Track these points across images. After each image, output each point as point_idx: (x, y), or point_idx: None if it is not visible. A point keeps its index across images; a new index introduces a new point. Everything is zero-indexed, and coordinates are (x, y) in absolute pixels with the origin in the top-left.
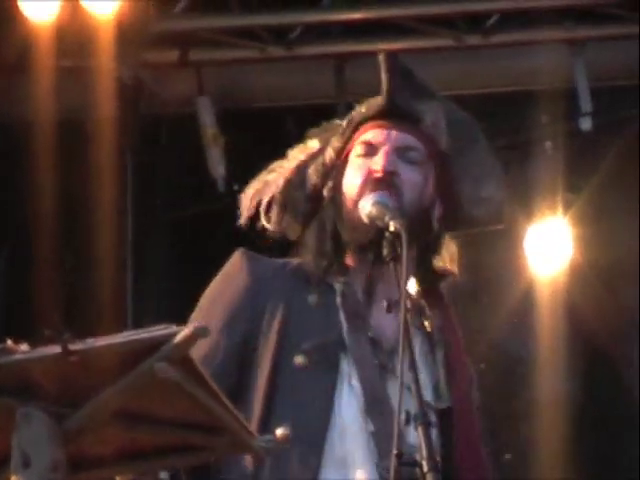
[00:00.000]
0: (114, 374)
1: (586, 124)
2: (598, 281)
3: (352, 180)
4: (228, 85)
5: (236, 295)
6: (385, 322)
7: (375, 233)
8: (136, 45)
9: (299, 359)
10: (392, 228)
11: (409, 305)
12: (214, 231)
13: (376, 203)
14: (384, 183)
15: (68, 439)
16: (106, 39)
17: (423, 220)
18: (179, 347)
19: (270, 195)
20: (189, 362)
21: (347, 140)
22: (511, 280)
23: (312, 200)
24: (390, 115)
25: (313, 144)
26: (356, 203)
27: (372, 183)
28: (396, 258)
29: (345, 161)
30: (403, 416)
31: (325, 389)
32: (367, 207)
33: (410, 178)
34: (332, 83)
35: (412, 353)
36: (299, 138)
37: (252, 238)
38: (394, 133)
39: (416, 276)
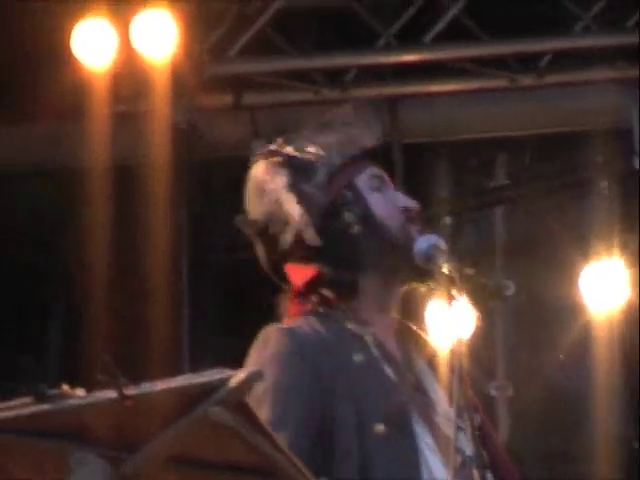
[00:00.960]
0: (169, 419)
1: None
2: None
3: (390, 211)
4: (283, 128)
5: (302, 382)
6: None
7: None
8: (190, 89)
9: (379, 428)
10: (446, 270)
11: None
12: (269, 277)
13: (431, 246)
14: (420, 219)
15: None
16: (160, 84)
17: None
18: (234, 391)
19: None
20: (244, 407)
21: (334, 174)
22: (568, 319)
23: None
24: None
25: (280, 176)
26: (405, 230)
27: (414, 221)
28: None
29: (350, 191)
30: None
31: (409, 455)
32: (422, 249)
33: None
34: (386, 124)
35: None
36: None
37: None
38: (382, 172)
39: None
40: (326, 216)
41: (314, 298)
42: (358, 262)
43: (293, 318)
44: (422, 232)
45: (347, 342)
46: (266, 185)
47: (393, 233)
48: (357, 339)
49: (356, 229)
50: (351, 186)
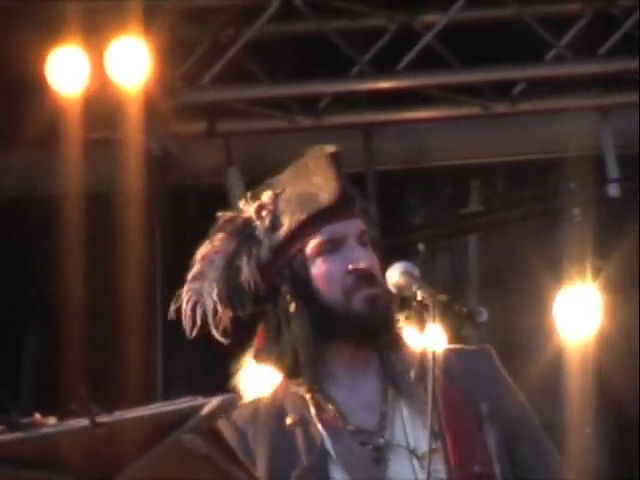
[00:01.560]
0: (142, 446)
1: (614, 190)
2: (627, 347)
3: (329, 280)
4: (257, 155)
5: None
6: (363, 404)
7: (382, 319)
8: (164, 116)
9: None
10: (420, 297)
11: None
12: None
13: (404, 273)
14: (372, 279)
15: None
16: (134, 111)
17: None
18: (206, 419)
19: (212, 302)
20: (216, 434)
21: (287, 237)
22: (540, 345)
23: (252, 302)
24: (343, 206)
25: (225, 243)
26: (348, 298)
27: (357, 280)
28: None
29: (298, 260)
30: None
31: None
32: (395, 276)
33: (374, 261)
34: (360, 152)
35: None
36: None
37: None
38: (350, 223)
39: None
40: (267, 291)
41: None
42: (297, 335)
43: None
44: (372, 293)
45: (284, 408)
46: (214, 255)
47: (330, 303)
48: (296, 399)
49: (292, 305)
50: (299, 253)
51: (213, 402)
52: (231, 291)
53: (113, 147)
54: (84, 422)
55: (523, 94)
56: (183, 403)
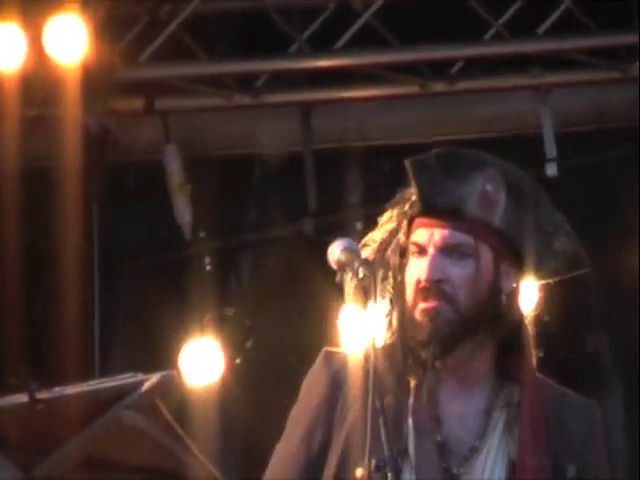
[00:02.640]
0: (81, 422)
1: (552, 170)
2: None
3: (409, 282)
4: (194, 133)
5: (314, 405)
6: (462, 423)
7: (430, 332)
8: (102, 93)
9: (359, 472)
10: (361, 274)
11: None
12: (180, 278)
13: (345, 250)
14: (431, 292)
15: None
16: (72, 87)
17: (487, 309)
18: (146, 395)
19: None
20: (156, 410)
21: (407, 233)
22: None
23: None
24: (432, 214)
25: (390, 222)
26: (412, 308)
27: (422, 293)
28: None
29: (406, 256)
30: None
31: None
32: (336, 253)
33: (460, 277)
34: (298, 131)
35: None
36: (265, 185)
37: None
38: (437, 233)
39: (498, 371)
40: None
41: None
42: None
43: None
44: (431, 307)
45: (389, 378)
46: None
47: (404, 311)
48: (401, 382)
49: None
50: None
51: (153, 379)
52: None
53: (51, 123)
54: (23, 398)
55: (462, 73)
56: (123, 379)
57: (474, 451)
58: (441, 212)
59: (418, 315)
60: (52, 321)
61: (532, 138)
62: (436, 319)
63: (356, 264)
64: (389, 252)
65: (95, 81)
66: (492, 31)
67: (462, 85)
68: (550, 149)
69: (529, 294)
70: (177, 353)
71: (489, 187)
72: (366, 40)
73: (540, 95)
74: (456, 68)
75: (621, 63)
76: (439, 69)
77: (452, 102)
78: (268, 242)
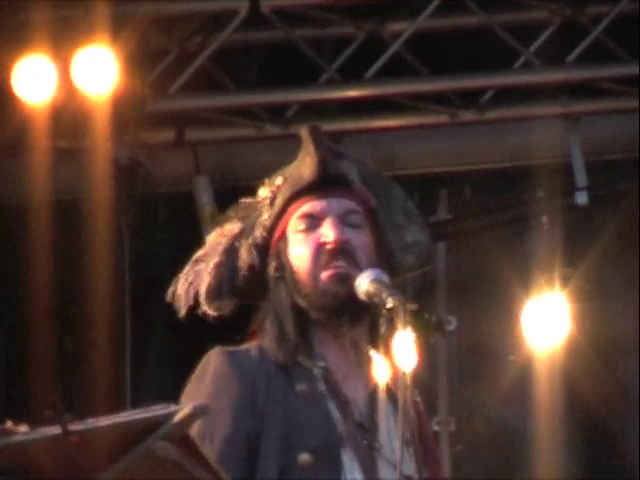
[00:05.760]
0: (114, 454)
1: (582, 198)
2: (596, 356)
3: (301, 255)
4: (225, 164)
5: (235, 400)
6: (357, 394)
7: (345, 298)
8: (132, 125)
9: (304, 457)
10: (390, 305)
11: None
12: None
13: (373, 281)
14: (339, 253)
15: None
16: (102, 119)
17: None
18: (178, 426)
19: (206, 283)
20: (189, 441)
21: (278, 216)
22: (509, 354)
23: (251, 281)
24: (322, 184)
25: (232, 226)
26: (312, 276)
27: (327, 254)
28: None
29: (283, 238)
30: None
31: None
32: (364, 284)
33: (360, 242)
34: None
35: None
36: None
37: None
38: (334, 201)
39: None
40: (259, 268)
41: None
42: (298, 313)
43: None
44: (341, 267)
45: (292, 372)
46: (220, 237)
47: (302, 280)
48: (304, 371)
49: (273, 281)
50: (283, 232)
51: (185, 409)
52: (225, 274)
53: (81, 156)
54: (56, 430)
55: (491, 102)
56: (155, 410)
57: (371, 416)
58: (332, 181)
59: (325, 280)
60: (85, 353)
61: (562, 167)
62: (347, 282)
63: (384, 295)
64: (242, 252)
65: (125, 113)
66: (522, 60)
67: (492, 114)
68: (580, 177)
69: None
70: None
71: (356, 172)
72: (396, 70)
73: (570, 123)
74: (486, 97)
75: None
76: (469, 98)
77: (482, 131)
78: None
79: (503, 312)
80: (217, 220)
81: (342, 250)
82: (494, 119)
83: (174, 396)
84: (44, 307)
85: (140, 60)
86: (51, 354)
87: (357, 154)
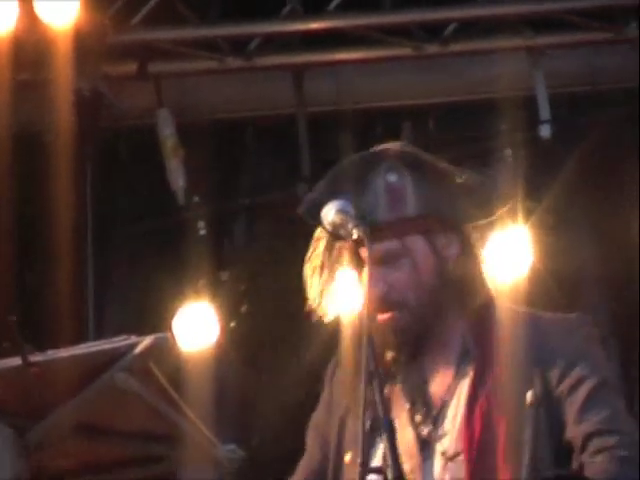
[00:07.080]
0: (75, 386)
1: (545, 131)
2: (558, 289)
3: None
4: (187, 97)
5: (320, 413)
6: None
7: (394, 343)
8: (94, 57)
9: (347, 457)
10: (355, 236)
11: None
12: (174, 243)
13: (339, 211)
14: (383, 306)
15: (30, 452)
16: (64, 51)
17: (444, 289)
18: (140, 358)
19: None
20: (150, 373)
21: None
22: None
23: None
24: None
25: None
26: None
27: (375, 306)
28: None
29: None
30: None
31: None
32: (330, 215)
33: (402, 280)
34: (291, 94)
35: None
36: (258, 149)
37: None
38: (364, 251)
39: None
40: None
41: None
42: None
43: None
44: (387, 318)
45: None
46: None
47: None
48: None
49: None
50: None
51: (146, 341)
52: None
53: (43, 88)
54: (16, 361)
55: (455, 35)
56: (116, 342)
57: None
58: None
59: (379, 323)
60: (46, 286)
61: (526, 100)
62: (396, 329)
63: (350, 225)
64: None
65: (87, 45)
66: None
67: (455, 47)
68: (544, 111)
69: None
70: (171, 317)
71: (392, 178)
72: (359, 2)
73: (533, 57)
74: (449, 30)
75: (617, 24)
76: (432, 31)
77: (445, 64)
78: (262, 206)
79: None
80: (178, 154)
81: (383, 302)
82: (458, 52)
83: (136, 329)
84: (5, 241)
85: None
86: (12, 288)
87: (320, 87)
